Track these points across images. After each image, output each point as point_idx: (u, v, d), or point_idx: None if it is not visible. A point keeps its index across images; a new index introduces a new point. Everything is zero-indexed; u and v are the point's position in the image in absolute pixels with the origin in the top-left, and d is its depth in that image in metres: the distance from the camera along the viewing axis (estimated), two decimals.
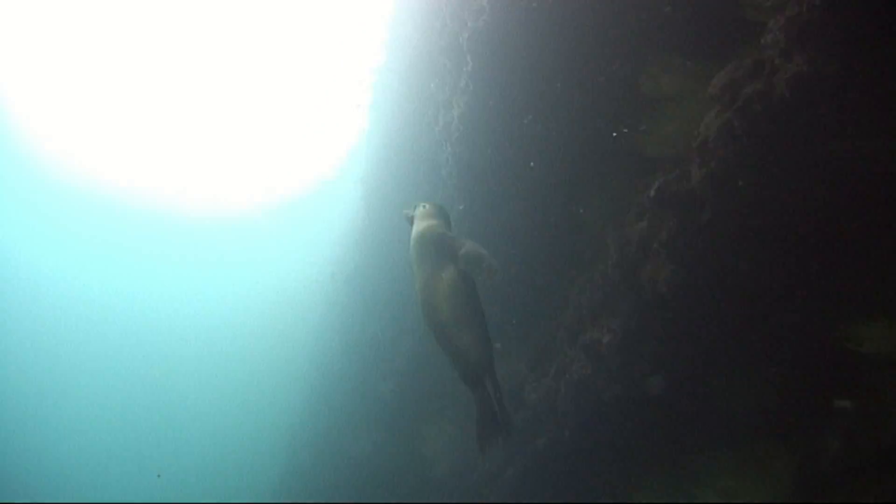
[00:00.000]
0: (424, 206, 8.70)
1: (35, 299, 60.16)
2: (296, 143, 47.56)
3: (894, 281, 7.45)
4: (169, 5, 49.14)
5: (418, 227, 8.35)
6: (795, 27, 6.72)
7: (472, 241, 7.88)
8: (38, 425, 60.50)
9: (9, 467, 51.95)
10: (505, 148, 12.05)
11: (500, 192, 12.59)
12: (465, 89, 12.72)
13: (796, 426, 8.65)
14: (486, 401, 8.09)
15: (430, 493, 15.64)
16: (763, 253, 7.72)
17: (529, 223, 12.11)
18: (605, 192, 10.03)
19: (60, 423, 62.63)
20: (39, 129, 52.34)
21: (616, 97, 9.64)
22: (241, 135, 54.79)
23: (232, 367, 52.87)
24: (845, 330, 7.41)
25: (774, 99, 6.90)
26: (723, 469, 9.11)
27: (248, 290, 51.92)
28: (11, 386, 56.35)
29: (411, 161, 16.02)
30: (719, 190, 7.48)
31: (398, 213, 9.54)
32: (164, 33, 51.50)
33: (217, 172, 56.77)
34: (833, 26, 6.49)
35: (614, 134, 9.62)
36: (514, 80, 11.43)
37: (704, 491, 9.13)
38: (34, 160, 52.81)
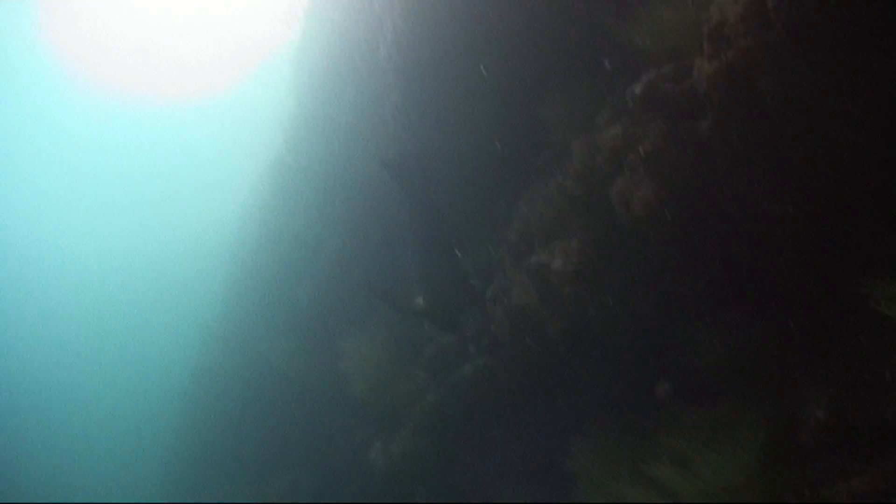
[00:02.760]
0: None
1: None
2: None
3: None
4: None
5: None
6: None
7: None
8: None
9: None
10: (453, 32, 10.04)
11: (447, 86, 10.63)
12: None
13: (774, 389, 7.15)
14: None
15: (347, 411, 14.11)
16: (774, 179, 6.04)
17: (479, 121, 10.24)
18: (575, 90, 8.19)
19: None
20: None
21: None
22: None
23: (142, 261, 48.99)
24: (864, 285, 5.79)
25: None
26: (678, 431, 7.59)
27: (164, 180, 47.96)
28: None
29: (347, 42, 13.91)
30: (731, 92, 5.71)
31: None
32: None
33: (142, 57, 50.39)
34: None
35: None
36: None
37: (652, 454, 7.59)
38: None
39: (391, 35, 10.93)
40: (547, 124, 8.84)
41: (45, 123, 48.26)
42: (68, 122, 48.94)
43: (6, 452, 36.31)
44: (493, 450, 10.04)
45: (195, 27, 40.95)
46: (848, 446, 6.44)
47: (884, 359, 6.09)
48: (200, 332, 21.16)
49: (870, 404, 6.11)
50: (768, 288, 7.17)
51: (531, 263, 8.03)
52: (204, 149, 32.33)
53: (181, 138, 43.28)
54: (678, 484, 7.32)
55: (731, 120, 5.83)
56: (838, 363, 6.64)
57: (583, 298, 7.56)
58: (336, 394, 14.19)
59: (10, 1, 38.41)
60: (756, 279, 7.17)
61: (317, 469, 14.56)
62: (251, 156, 20.42)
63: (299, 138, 17.33)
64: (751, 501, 7.03)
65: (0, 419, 40.09)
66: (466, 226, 11.34)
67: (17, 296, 52.06)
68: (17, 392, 43.92)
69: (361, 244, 13.78)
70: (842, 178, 6.07)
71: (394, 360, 12.83)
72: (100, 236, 52.64)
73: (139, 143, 49.25)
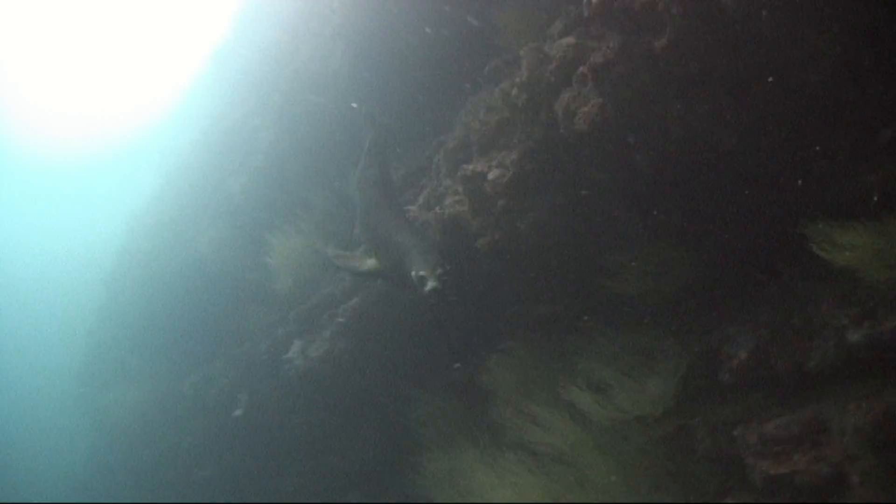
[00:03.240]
0: None
1: None
2: None
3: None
4: None
5: None
6: None
7: None
8: None
9: None
10: None
11: None
12: None
13: (701, 323, 7.00)
14: None
15: (271, 308, 13.76)
16: (726, 108, 5.74)
17: (428, 21, 9.71)
18: None
19: None
20: None
21: None
22: None
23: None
24: (807, 227, 5.57)
25: None
26: (599, 356, 7.42)
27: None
28: None
29: None
30: (692, 9, 5.33)
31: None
32: None
33: None
34: None
35: None
36: None
37: (571, 377, 7.42)
38: None
39: None
40: (499, 29, 8.39)
41: None
42: None
43: None
44: (411, 359, 9.82)
45: None
46: (767, 389, 6.33)
47: (815, 304, 5.93)
48: (128, 216, 20.41)
49: (794, 349, 5.96)
50: (706, 220, 6.94)
51: (466, 171, 7.65)
52: (143, 31, 30.64)
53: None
54: (594, 410, 7.18)
55: (689, 40, 5.47)
56: (768, 304, 6.47)
57: (515, 212, 7.23)
58: (260, 289, 13.82)
59: None
60: (694, 210, 6.93)
61: (235, 364, 14.25)
62: (191, 42, 19.43)
63: (242, 25, 16.55)
64: (663, 433, 6.96)
65: None
66: (411, 133, 10.93)
67: None
68: None
69: (299, 139, 13.24)
70: (797, 115, 5.80)
71: (321, 260, 12.46)
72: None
73: None
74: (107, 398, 17.96)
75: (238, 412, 13.44)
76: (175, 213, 17.69)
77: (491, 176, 7.24)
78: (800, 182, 6.25)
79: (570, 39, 6.60)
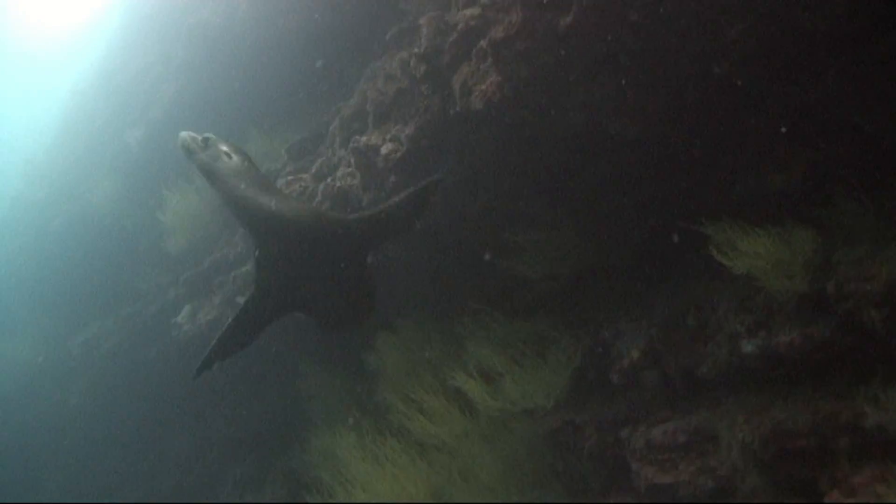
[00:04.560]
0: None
1: None
2: None
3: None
4: None
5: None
6: None
7: None
8: None
9: None
10: None
11: None
12: None
13: (592, 315, 6.57)
14: None
15: (165, 268, 12.93)
16: (628, 94, 5.23)
17: None
18: None
19: None
20: None
21: None
22: None
23: None
24: (718, 230, 5.12)
25: None
26: (487, 342, 6.95)
27: None
28: None
29: None
30: None
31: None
32: None
33: None
34: None
35: None
36: None
37: (457, 364, 6.95)
38: None
39: None
40: None
41: None
42: None
43: None
44: (298, 331, 9.19)
45: None
46: (656, 389, 5.94)
47: (710, 307, 5.52)
48: (24, 161, 19.04)
49: (686, 353, 5.55)
50: (605, 208, 6.49)
51: (360, 143, 7.00)
52: None
53: None
54: (482, 399, 6.71)
55: (595, 19, 4.92)
56: (664, 301, 6.06)
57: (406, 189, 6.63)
58: (154, 247, 12.99)
59: None
60: (594, 196, 6.46)
61: (123, 324, 13.41)
62: None
63: None
64: (549, 427, 6.53)
65: None
66: (313, 94, 10.20)
67: None
68: None
69: (201, 93, 12.36)
70: (703, 108, 5.34)
71: (215, 221, 11.73)
72: None
73: None
74: None
75: None
76: (71, 162, 16.53)
77: (384, 150, 6.63)
78: (702, 176, 5.84)
79: (474, 10, 5.98)
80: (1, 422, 16.21)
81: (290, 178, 8.55)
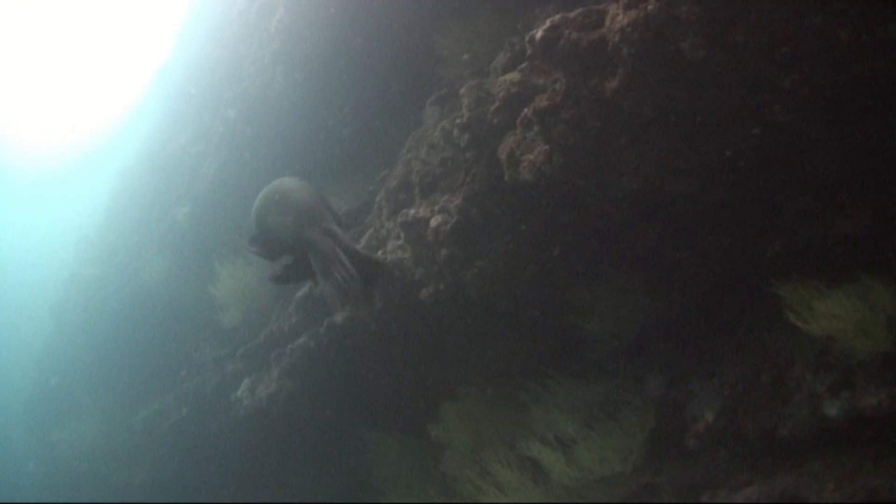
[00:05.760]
0: None
1: None
2: None
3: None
4: None
5: None
6: None
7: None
8: None
9: None
10: None
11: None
12: None
13: (662, 374, 6.37)
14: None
15: (220, 341, 12.95)
16: (686, 155, 5.08)
17: (368, 45, 8.98)
18: (474, 19, 6.96)
19: None
20: None
21: None
22: None
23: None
24: (792, 291, 4.91)
25: None
26: (553, 407, 6.77)
27: None
28: None
29: None
30: (647, 49, 4.64)
31: None
32: None
33: None
34: None
35: None
36: None
37: (525, 431, 6.77)
38: None
39: None
40: (439, 58, 7.68)
41: None
42: None
43: None
44: (361, 401, 9.10)
45: None
46: (734, 450, 5.70)
47: (786, 363, 5.28)
48: (77, 241, 19.40)
49: (764, 413, 5.31)
50: (663, 263, 6.31)
51: (408, 217, 6.91)
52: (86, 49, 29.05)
53: None
54: (557, 469, 6.50)
55: (642, 81, 4.78)
56: (734, 358, 5.84)
57: (460, 262, 6.52)
58: (209, 321, 13.03)
59: None
60: (651, 252, 6.29)
61: (184, 400, 13.42)
62: (135, 62, 18.50)
63: (184, 45, 15.72)
64: (625, 491, 6.29)
65: None
66: (354, 165, 10.19)
67: None
68: None
69: (242, 166, 12.46)
70: (765, 162, 5.16)
71: (268, 292, 11.74)
72: None
73: None
74: (57, 434, 16.95)
75: None
76: (122, 240, 16.81)
77: (433, 223, 6.52)
78: (764, 225, 5.65)
79: (514, 76, 5.91)
80: None
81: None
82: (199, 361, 13.46)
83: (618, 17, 4.68)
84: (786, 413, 5.20)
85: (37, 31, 30.52)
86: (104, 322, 16.66)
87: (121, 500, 15.16)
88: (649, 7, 4.47)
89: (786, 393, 5.26)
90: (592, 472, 6.31)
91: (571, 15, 5.13)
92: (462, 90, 6.35)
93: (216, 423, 12.43)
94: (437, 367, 7.92)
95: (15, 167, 30.82)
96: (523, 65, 5.84)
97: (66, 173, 27.11)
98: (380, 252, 7.60)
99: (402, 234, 7.08)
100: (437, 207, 6.63)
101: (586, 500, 6.48)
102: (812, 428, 4.99)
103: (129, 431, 14.96)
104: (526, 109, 5.51)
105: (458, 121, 6.31)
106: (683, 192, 5.37)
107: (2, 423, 24.13)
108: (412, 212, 6.88)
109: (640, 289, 6.53)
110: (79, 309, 18.16)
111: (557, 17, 5.19)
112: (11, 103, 31.27)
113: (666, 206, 5.74)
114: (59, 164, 27.65)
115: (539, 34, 5.23)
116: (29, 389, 21.28)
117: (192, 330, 13.89)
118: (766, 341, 5.70)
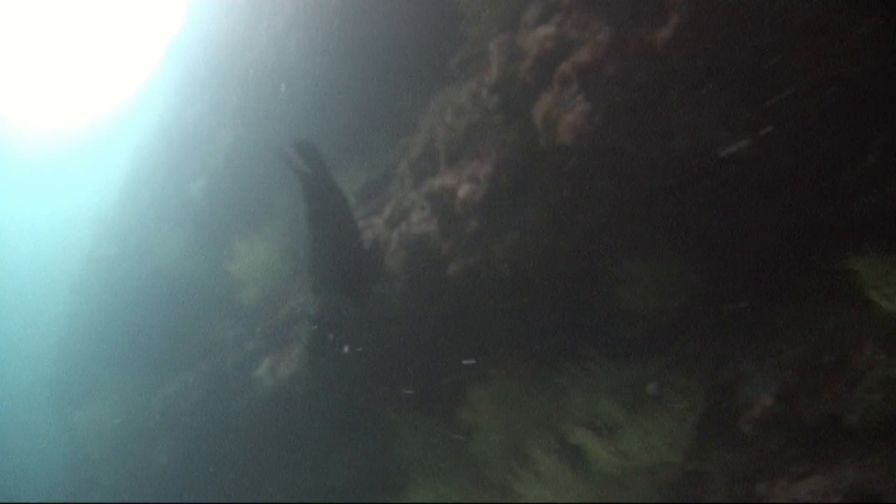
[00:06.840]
0: None
1: None
2: None
3: None
4: None
5: None
6: None
7: None
8: None
9: None
10: None
11: None
12: None
13: (713, 354, 5.84)
14: None
15: (239, 318, 12.55)
16: (743, 110, 4.51)
17: (388, 10, 8.42)
18: None
19: None
20: None
21: None
22: None
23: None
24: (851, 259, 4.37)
25: None
26: (591, 389, 6.27)
27: None
28: None
29: None
30: None
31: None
32: None
33: None
34: None
35: None
36: None
37: (567, 414, 6.28)
38: None
39: None
40: (464, 15, 7.09)
41: None
42: None
43: None
44: (382, 387, 8.65)
45: None
46: (792, 434, 5.17)
47: (852, 342, 4.75)
48: (94, 220, 19.04)
49: (829, 398, 4.78)
50: (710, 233, 5.77)
51: (434, 187, 6.39)
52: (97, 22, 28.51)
53: None
54: (601, 457, 6.02)
55: (697, 30, 4.22)
56: (790, 335, 5.31)
57: (490, 234, 6.00)
58: (227, 298, 12.61)
59: None
60: (697, 222, 5.75)
61: (204, 379, 13.05)
62: (146, 34, 17.97)
63: (196, 14, 15.19)
64: (670, 479, 5.80)
65: None
66: (373, 133, 9.64)
67: None
68: None
69: (258, 136, 11.98)
70: (822, 116, 4.59)
71: (286, 269, 11.31)
72: None
73: None
74: (79, 415, 16.69)
75: None
76: (139, 218, 16.40)
77: (461, 193, 6.00)
78: (818, 194, 5.09)
79: (548, 29, 5.34)
80: (91, 485, 16.07)
81: (360, 222, 7.99)
82: (219, 339, 13.07)
83: None
84: (853, 398, 4.67)
85: (44, 15, 30.04)
86: (122, 301, 16.32)
87: (144, 480, 14.92)
88: None
89: (853, 376, 4.73)
90: (639, 460, 5.82)
91: None
92: (491, 46, 5.78)
93: (237, 402, 12.07)
94: (466, 347, 7.41)
95: (29, 150, 30.56)
96: (559, 15, 5.27)
97: (81, 153, 26.80)
98: (403, 225, 7.08)
99: (427, 205, 6.56)
100: (464, 176, 6.11)
101: (628, 489, 6.02)
102: (885, 415, 4.46)
103: (149, 411, 14.65)
104: (564, 65, 4.95)
105: (486, 80, 5.75)
106: (742, 157, 4.80)
107: (27, 402, 24.04)
108: (437, 181, 6.37)
109: (685, 262, 5.99)
110: (97, 288, 17.84)
111: None
112: (25, 86, 30.90)
113: (714, 169, 5.19)
114: (75, 143, 27.30)
115: None
116: (51, 369, 21.09)
117: (210, 307, 13.48)
118: (824, 319, 5.16)
